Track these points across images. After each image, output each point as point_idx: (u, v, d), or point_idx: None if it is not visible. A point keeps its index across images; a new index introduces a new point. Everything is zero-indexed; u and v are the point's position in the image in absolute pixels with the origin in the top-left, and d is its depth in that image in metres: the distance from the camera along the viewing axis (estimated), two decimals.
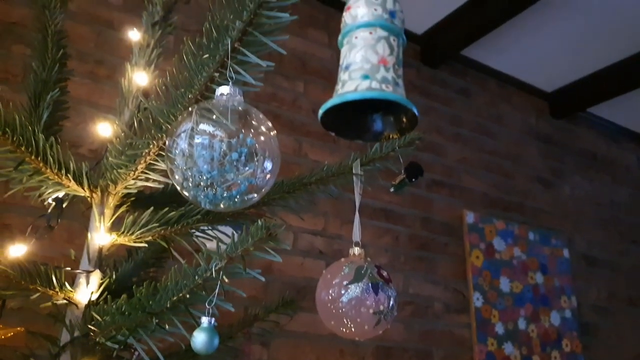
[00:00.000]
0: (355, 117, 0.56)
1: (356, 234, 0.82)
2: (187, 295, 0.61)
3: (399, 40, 0.52)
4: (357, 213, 0.83)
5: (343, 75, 0.51)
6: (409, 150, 0.95)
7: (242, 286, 0.65)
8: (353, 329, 0.76)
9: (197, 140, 0.54)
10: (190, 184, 0.56)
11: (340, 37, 0.56)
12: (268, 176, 0.57)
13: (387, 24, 0.51)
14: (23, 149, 0.68)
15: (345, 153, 2.16)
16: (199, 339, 0.56)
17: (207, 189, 0.55)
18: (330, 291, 0.78)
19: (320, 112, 0.52)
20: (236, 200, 0.56)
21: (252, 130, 0.56)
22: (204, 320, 0.57)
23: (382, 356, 1.97)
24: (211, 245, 0.74)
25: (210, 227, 0.78)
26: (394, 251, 2.17)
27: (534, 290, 2.52)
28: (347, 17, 0.54)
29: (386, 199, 2.22)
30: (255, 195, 0.59)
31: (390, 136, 0.55)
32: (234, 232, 0.75)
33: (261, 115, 0.58)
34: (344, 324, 0.76)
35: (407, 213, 2.27)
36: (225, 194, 0.56)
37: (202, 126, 0.55)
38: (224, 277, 0.59)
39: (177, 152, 0.56)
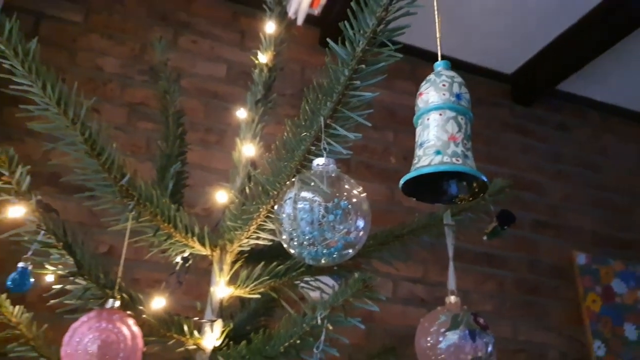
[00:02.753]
0: (432, 184, 0.62)
1: (451, 283, 0.86)
2: (297, 341, 0.69)
3: (466, 118, 0.59)
4: (451, 262, 0.87)
5: (418, 152, 0.59)
6: (500, 197, 0.97)
7: (344, 334, 0.71)
8: None
9: (300, 205, 0.64)
10: (295, 243, 0.65)
11: (414, 119, 0.64)
12: (361, 233, 0.65)
13: (455, 106, 0.58)
14: (158, 217, 0.82)
15: None
16: None
17: (310, 247, 0.64)
18: (429, 338, 0.81)
19: (401, 182, 0.60)
20: (334, 256, 0.64)
21: (345, 194, 0.64)
22: None
23: None
24: (314, 294, 0.83)
25: (313, 279, 0.86)
26: (499, 297, 2.10)
27: None
28: (419, 102, 0.62)
29: (487, 243, 2.18)
30: (351, 250, 0.66)
31: (464, 199, 0.60)
32: (335, 282, 0.83)
33: (352, 180, 0.67)
34: None
35: (511, 256, 2.20)
36: (325, 251, 0.64)
37: (303, 193, 0.64)
38: (329, 325, 0.66)
39: (283, 216, 0.65)
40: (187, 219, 0.85)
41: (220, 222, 0.93)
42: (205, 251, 0.88)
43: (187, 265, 0.93)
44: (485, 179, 0.56)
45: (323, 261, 0.65)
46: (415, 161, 0.59)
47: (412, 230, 0.95)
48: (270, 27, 1.08)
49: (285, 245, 0.67)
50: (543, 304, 2.16)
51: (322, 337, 0.66)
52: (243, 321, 1.01)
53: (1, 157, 0.74)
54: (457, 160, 0.54)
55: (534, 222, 2.32)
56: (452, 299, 0.84)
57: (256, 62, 1.09)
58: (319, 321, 0.68)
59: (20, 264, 0.73)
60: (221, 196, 1.00)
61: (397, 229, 0.96)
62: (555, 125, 2.60)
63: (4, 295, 0.78)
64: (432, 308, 0.92)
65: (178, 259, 0.92)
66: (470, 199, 0.60)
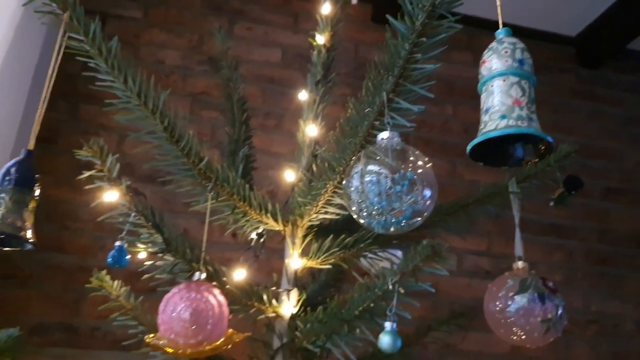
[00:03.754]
0: (498, 148, 0.64)
1: (518, 249, 0.86)
2: (371, 305, 0.74)
3: (530, 82, 0.59)
4: (517, 229, 0.87)
5: (484, 118, 0.60)
6: (566, 163, 0.96)
7: (411, 309, 0.74)
8: (523, 337, 0.80)
9: (367, 178, 0.67)
10: (364, 214, 0.68)
11: (479, 86, 0.65)
12: (428, 202, 0.67)
13: (517, 71, 0.59)
14: (235, 197, 0.88)
15: (501, 171, 2.14)
16: (385, 339, 0.68)
17: (378, 217, 0.67)
18: (497, 302, 0.83)
19: (468, 148, 0.62)
20: (403, 224, 0.67)
21: (410, 165, 0.67)
22: (387, 324, 0.69)
23: None
24: (383, 264, 0.86)
25: (381, 250, 0.90)
26: (568, 268, 2.05)
27: None
28: (483, 70, 0.63)
29: (554, 213, 2.12)
30: (419, 219, 0.69)
31: (531, 161, 0.61)
32: (402, 253, 0.87)
33: (417, 152, 0.69)
34: (514, 332, 0.81)
35: (580, 226, 2.14)
36: (393, 220, 0.67)
37: (370, 167, 0.67)
38: (400, 289, 0.69)
39: (352, 189, 0.69)
40: (260, 197, 0.90)
41: (290, 200, 0.98)
42: (277, 227, 0.94)
43: (262, 240, 0.99)
44: (550, 139, 0.57)
45: (392, 229, 0.68)
46: (482, 127, 0.60)
47: (477, 200, 0.96)
48: (326, 7, 1.11)
49: (355, 216, 0.71)
50: (617, 274, 2.09)
51: (394, 301, 0.70)
52: (314, 292, 1.07)
53: (93, 148, 0.82)
54: (522, 123, 0.56)
55: (605, 190, 2.23)
56: (520, 264, 0.85)
57: (314, 43, 1.12)
58: (390, 286, 0.71)
59: (117, 242, 0.81)
60: (289, 175, 1.05)
61: (462, 199, 0.97)
62: (626, 87, 2.47)
63: (104, 272, 0.87)
64: None
65: (253, 235, 0.99)
66: (537, 160, 0.61)
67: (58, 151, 1.82)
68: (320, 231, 0.97)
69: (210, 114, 2.01)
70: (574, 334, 1.95)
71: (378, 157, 0.68)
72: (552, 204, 0.98)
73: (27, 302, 1.68)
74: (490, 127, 0.58)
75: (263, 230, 0.97)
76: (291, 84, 2.05)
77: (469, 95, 2.25)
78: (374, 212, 0.67)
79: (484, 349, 1.82)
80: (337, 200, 0.85)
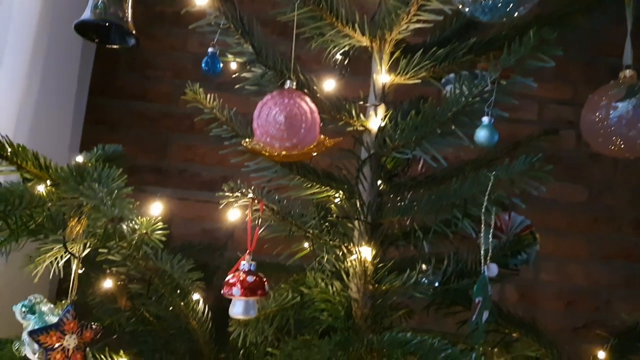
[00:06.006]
0: None
1: (627, 56, 0.80)
2: (467, 106, 0.72)
3: None
4: (628, 35, 0.80)
5: None
6: None
7: None
8: (622, 146, 0.77)
9: None
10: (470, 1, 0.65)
11: None
12: None
13: None
14: (322, 5, 0.85)
15: None
16: (482, 133, 0.68)
17: (483, 2, 0.63)
18: (597, 113, 0.80)
19: None
20: (511, 6, 0.63)
21: None
22: (485, 119, 0.68)
23: None
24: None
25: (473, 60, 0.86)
26: None
27: None
28: None
29: None
30: (522, 8, 0.65)
31: None
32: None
33: None
34: (613, 142, 0.78)
35: None
36: (499, 4, 0.63)
37: None
38: (502, 80, 0.67)
39: None
40: (348, 8, 0.87)
41: (376, 14, 0.94)
42: (364, 41, 0.91)
43: (346, 61, 0.98)
44: None
45: (497, 17, 0.64)
46: None
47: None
48: None
49: (459, 6, 0.67)
50: None
51: (493, 97, 0.68)
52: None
53: None
54: None
55: None
56: (628, 72, 0.79)
57: None
58: (489, 85, 0.69)
59: (210, 49, 0.82)
60: None
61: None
62: None
63: (197, 84, 0.90)
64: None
65: (338, 56, 0.97)
66: None
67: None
68: (407, 50, 0.94)
69: None
70: None
71: None
72: None
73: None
74: None
75: (349, 49, 0.95)
76: None
77: None
78: None
79: (560, 198, 1.81)
80: (431, 5, 0.81)
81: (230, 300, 0.74)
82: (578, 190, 1.85)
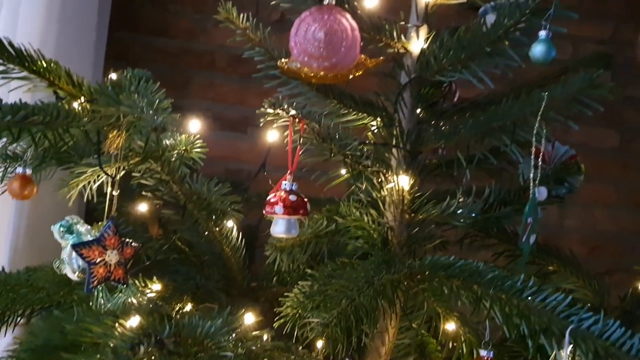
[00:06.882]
0: None
1: None
2: (520, 24, 0.68)
3: None
4: None
5: None
6: None
7: None
8: None
9: None
10: None
11: None
12: None
13: None
14: None
15: None
16: (538, 49, 0.64)
17: None
18: None
19: None
20: None
21: None
22: (542, 33, 0.64)
23: None
24: None
25: None
26: None
27: None
28: None
29: None
30: None
31: None
32: None
33: None
34: None
35: None
36: None
37: None
38: None
39: None
40: None
41: None
42: None
43: None
44: None
45: None
46: None
47: None
48: None
49: None
50: None
51: (551, 11, 0.64)
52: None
53: None
54: None
55: None
56: None
57: None
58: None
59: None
60: None
61: None
62: None
63: (230, 3, 0.85)
64: None
65: None
66: None
67: None
68: None
69: None
70: None
71: None
72: None
73: None
74: None
75: None
76: None
77: None
78: None
79: (590, 142, 1.76)
80: None
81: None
82: (609, 134, 1.79)
